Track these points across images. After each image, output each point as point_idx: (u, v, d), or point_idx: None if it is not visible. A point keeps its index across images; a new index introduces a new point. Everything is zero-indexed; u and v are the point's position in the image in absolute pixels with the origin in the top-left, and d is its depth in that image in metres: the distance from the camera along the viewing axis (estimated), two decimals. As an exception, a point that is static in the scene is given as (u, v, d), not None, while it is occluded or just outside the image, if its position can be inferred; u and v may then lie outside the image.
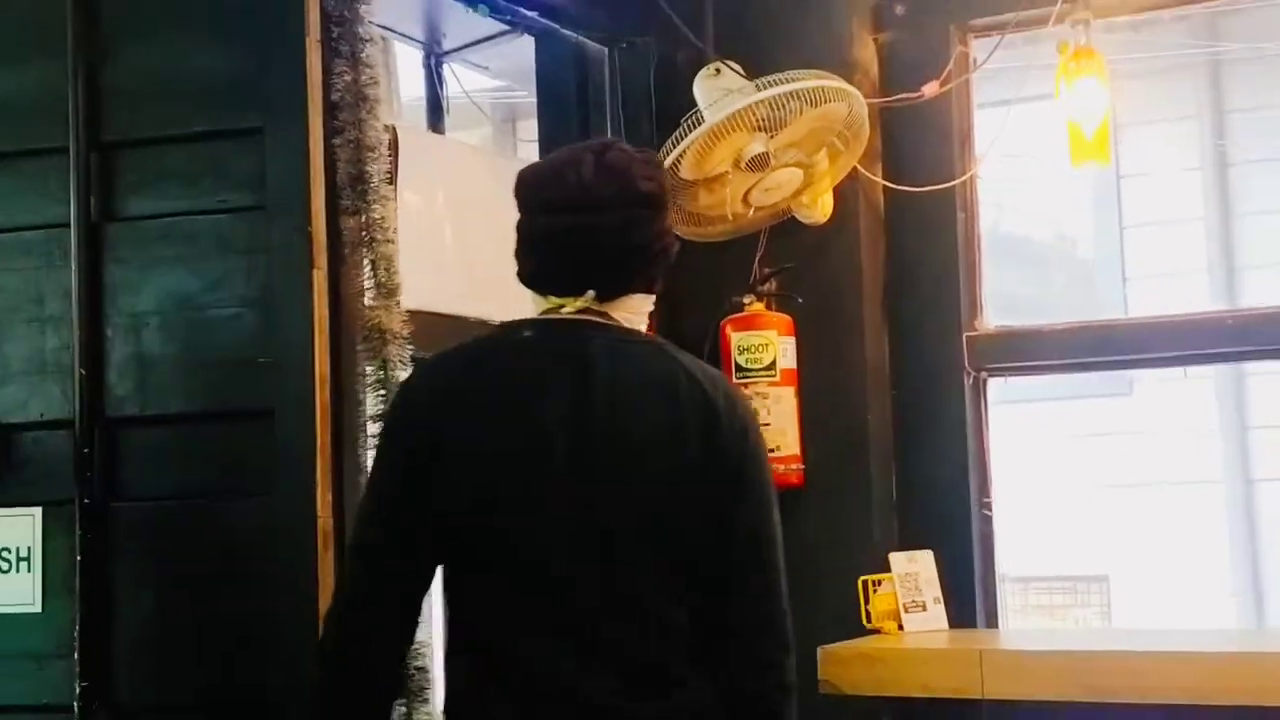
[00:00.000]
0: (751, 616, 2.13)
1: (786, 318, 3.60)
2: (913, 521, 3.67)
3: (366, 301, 2.71)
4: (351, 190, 2.69)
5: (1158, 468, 7.62)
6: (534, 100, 3.99)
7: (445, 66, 4.02)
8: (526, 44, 3.85)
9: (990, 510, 3.71)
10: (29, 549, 2.71)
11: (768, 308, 3.62)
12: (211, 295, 2.67)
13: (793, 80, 3.31)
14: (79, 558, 2.65)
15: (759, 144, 3.33)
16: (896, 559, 3.49)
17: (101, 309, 2.71)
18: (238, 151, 2.68)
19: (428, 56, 4.01)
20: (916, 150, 3.72)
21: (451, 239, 3.21)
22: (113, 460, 2.70)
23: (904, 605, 3.43)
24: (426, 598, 2.18)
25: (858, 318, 3.67)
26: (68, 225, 2.72)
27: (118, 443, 2.70)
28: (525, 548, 2.07)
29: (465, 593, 2.13)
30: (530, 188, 2.18)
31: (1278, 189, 7.42)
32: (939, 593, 3.49)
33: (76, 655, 2.63)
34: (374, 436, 2.66)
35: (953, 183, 3.68)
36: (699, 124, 3.33)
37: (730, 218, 3.48)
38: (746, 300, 3.61)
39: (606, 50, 3.80)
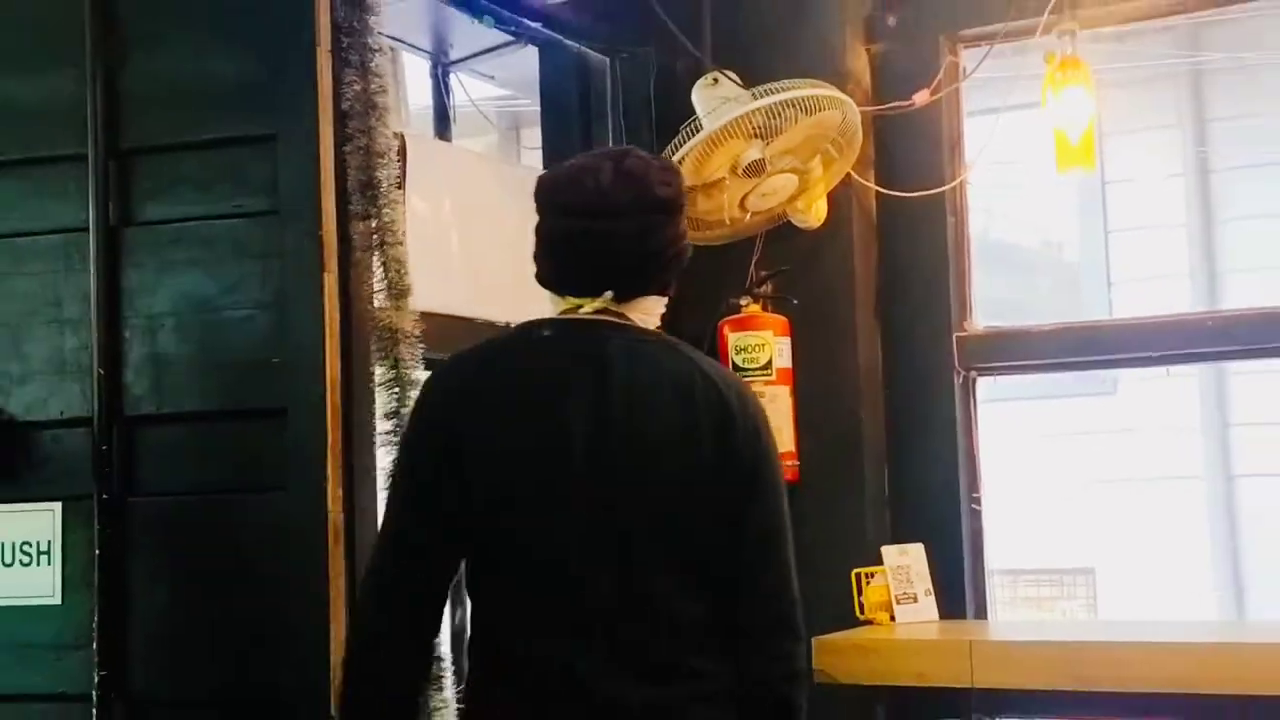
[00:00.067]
0: (763, 612, 2.13)
1: (782, 319, 3.61)
2: (904, 516, 3.67)
3: (378, 303, 2.71)
4: (362, 195, 2.69)
5: (1141, 464, 7.62)
6: (538, 108, 3.99)
7: (452, 76, 4.03)
8: (530, 54, 3.86)
9: (979, 505, 3.71)
10: (49, 543, 2.71)
11: (764, 309, 3.62)
12: (226, 298, 2.67)
13: (788, 89, 3.31)
14: (97, 552, 2.66)
15: (755, 150, 3.33)
16: (889, 552, 3.49)
17: (119, 311, 2.72)
18: (251, 158, 2.68)
19: (435, 66, 4.01)
20: (908, 157, 3.72)
21: (458, 243, 3.21)
22: (130, 457, 2.70)
23: (896, 597, 3.43)
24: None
25: (851, 319, 3.67)
26: (86, 230, 2.73)
27: (135, 440, 2.70)
28: (542, 545, 2.07)
29: (483, 588, 2.13)
30: (550, 193, 2.18)
31: (1258, 195, 7.42)
32: (930, 585, 3.49)
33: (95, 646, 2.64)
34: (385, 434, 2.66)
35: (943, 188, 3.69)
36: (697, 131, 3.33)
37: (728, 222, 3.48)
38: (743, 302, 3.61)
39: (608, 60, 3.81)
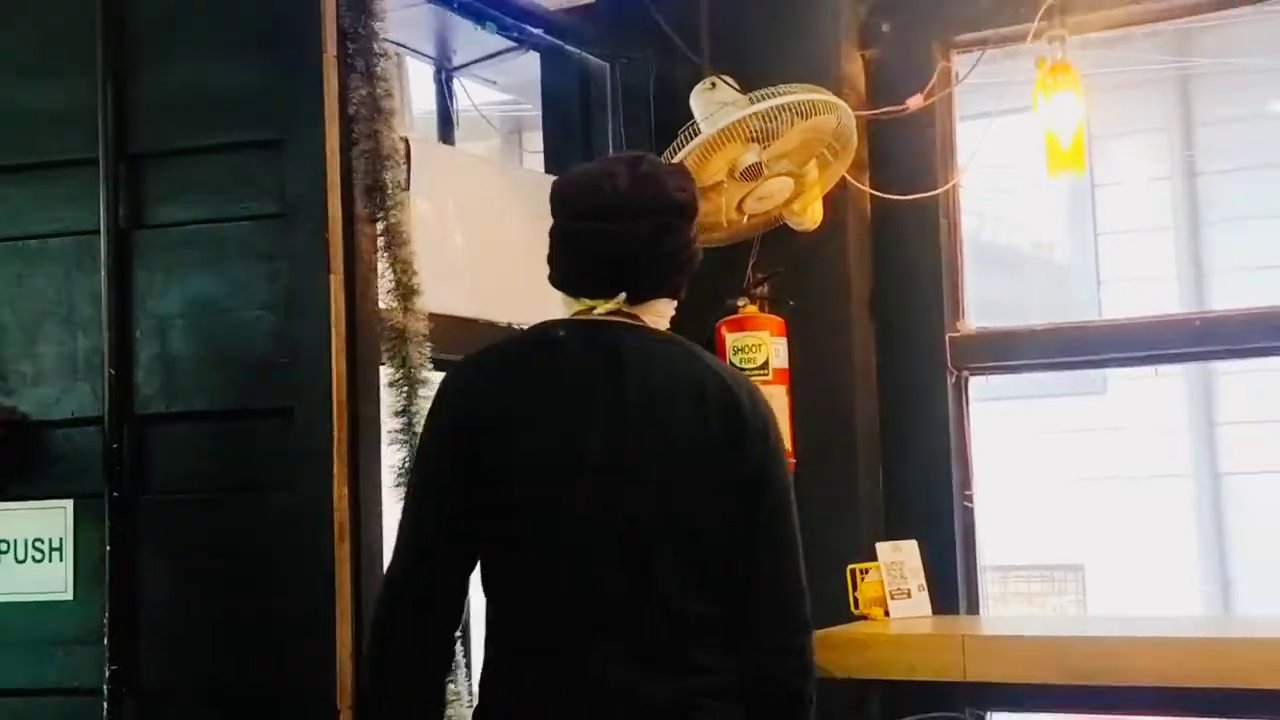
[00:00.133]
0: (773, 607, 2.13)
1: (779, 319, 3.60)
2: (898, 513, 3.67)
3: (388, 304, 2.71)
4: (369, 198, 2.69)
5: (1130, 462, 7.63)
6: (539, 113, 3.99)
7: (455, 81, 4.03)
8: (532, 60, 3.86)
9: (971, 502, 3.71)
10: (61, 540, 2.71)
11: (761, 310, 3.62)
12: (234, 299, 2.67)
13: (784, 94, 3.31)
14: (108, 548, 2.66)
15: (752, 154, 3.33)
16: (883, 548, 3.49)
17: (130, 312, 2.71)
18: (259, 162, 2.67)
19: (438, 72, 4.01)
20: (902, 160, 3.72)
21: (462, 245, 3.21)
22: (140, 456, 2.70)
23: (890, 592, 3.43)
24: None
25: (846, 320, 3.67)
26: (97, 232, 2.72)
27: (145, 439, 2.70)
28: (558, 542, 2.06)
29: (498, 583, 2.12)
30: (567, 197, 2.18)
31: (1244, 197, 7.43)
32: (923, 581, 3.49)
33: (106, 641, 2.64)
34: (394, 432, 2.66)
35: (936, 191, 3.69)
36: (696, 135, 3.33)
37: (725, 224, 3.48)
38: (741, 303, 3.61)
39: (608, 66, 3.81)
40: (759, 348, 3.56)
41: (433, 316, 2.80)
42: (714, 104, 3.38)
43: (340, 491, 2.58)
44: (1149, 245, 7.72)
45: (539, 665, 2.07)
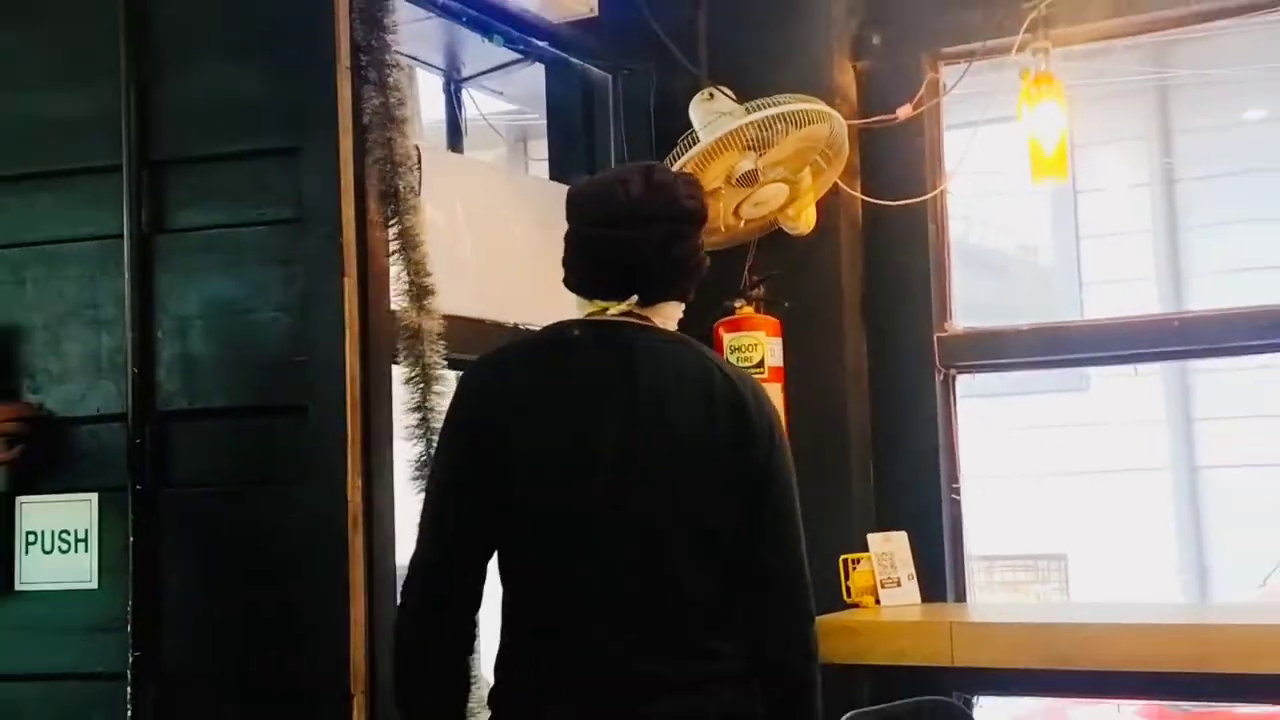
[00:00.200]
0: (778, 595, 2.14)
1: (774, 320, 3.60)
2: (888, 505, 3.67)
3: (402, 305, 2.71)
4: (383, 203, 2.70)
5: (1111, 456, 7.64)
6: (544, 122, 3.99)
7: (463, 92, 4.03)
8: (537, 71, 3.86)
9: (959, 495, 3.71)
10: (86, 531, 2.72)
11: (757, 311, 3.62)
12: (252, 300, 2.67)
13: (779, 104, 3.32)
14: (131, 540, 2.66)
15: (749, 162, 3.33)
16: (874, 539, 3.49)
17: (152, 313, 2.72)
18: (276, 169, 2.67)
19: (447, 83, 4.01)
20: (892, 167, 3.72)
21: (470, 249, 3.21)
22: (162, 451, 2.70)
23: (881, 581, 3.43)
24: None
25: (839, 320, 3.67)
26: (121, 236, 2.73)
27: (167, 435, 2.70)
28: (575, 534, 2.07)
29: (517, 572, 2.12)
30: (582, 204, 2.18)
31: (1220, 203, 7.44)
32: (912, 570, 3.49)
33: (129, 629, 2.64)
34: (410, 428, 2.66)
35: (925, 197, 3.69)
36: (694, 144, 3.33)
37: (723, 229, 3.48)
38: (737, 304, 3.61)
39: (610, 77, 3.81)
40: (755, 347, 3.56)
41: (443, 317, 2.80)
42: (712, 113, 3.38)
43: (354, 484, 2.58)
44: (1129, 248, 7.73)
45: (555, 648, 2.08)
